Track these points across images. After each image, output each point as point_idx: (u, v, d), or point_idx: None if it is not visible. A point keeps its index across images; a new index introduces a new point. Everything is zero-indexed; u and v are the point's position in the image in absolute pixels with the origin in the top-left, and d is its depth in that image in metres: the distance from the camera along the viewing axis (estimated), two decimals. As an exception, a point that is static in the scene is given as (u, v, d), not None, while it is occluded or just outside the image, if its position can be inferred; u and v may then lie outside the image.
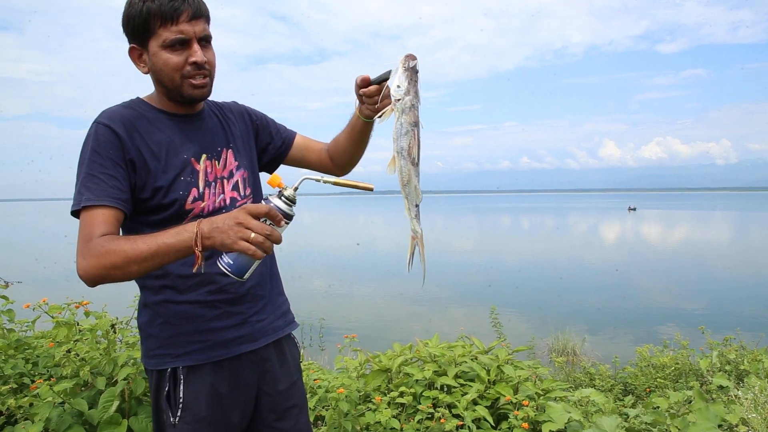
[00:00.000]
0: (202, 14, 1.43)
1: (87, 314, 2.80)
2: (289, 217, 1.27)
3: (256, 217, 1.19)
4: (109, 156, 1.37)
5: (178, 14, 1.38)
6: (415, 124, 1.39)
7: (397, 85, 1.39)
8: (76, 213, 1.36)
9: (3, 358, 2.54)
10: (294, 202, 1.29)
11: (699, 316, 12.32)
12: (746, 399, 2.15)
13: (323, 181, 1.39)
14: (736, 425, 2.14)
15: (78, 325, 2.59)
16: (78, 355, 2.30)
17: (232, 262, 1.25)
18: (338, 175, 1.78)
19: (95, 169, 1.36)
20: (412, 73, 1.39)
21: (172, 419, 1.45)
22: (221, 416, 1.50)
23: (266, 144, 1.74)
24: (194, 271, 1.28)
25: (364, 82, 1.52)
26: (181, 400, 1.45)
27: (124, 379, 2.24)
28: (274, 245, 1.23)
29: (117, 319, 2.59)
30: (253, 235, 1.17)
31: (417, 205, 1.43)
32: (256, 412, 1.61)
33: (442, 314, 12.78)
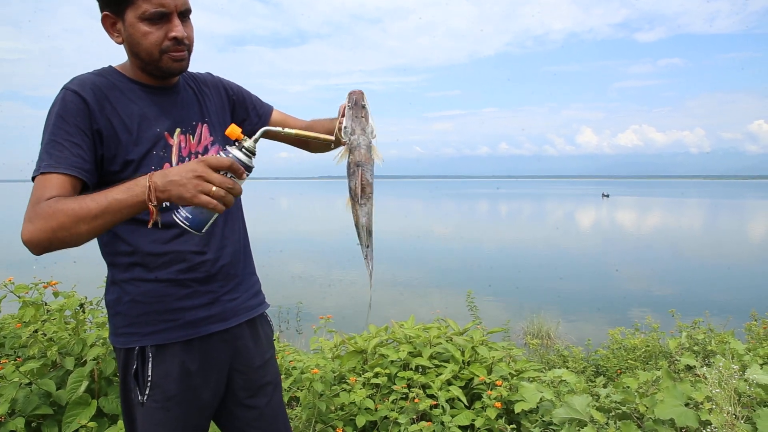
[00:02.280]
0: None
1: (56, 294, 2.74)
2: (249, 170, 1.23)
3: (217, 169, 1.16)
4: (75, 123, 1.31)
5: None
6: (358, 164, 1.38)
7: (344, 126, 1.40)
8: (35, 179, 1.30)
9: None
10: (254, 154, 1.24)
11: (670, 300, 12.59)
12: (711, 376, 2.19)
13: (284, 132, 1.34)
14: (702, 402, 2.18)
15: (46, 305, 2.53)
16: (45, 335, 2.25)
17: (190, 216, 1.19)
18: (314, 150, 1.75)
19: (59, 136, 1.30)
20: (357, 109, 1.39)
21: (140, 398, 1.43)
22: (191, 395, 1.48)
23: (242, 120, 1.70)
24: (149, 226, 1.24)
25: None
26: (149, 379, 1.42)
27: (93, 359, 2.20)
28: (235, 205, 1.19)
29: (86, 298, 2.53)
30: (214, 188, 1.14)
31: (368, 246, 1.44)
32: (228, 391, 1.59)
33: (419, 298, 12.85)
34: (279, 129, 1.34)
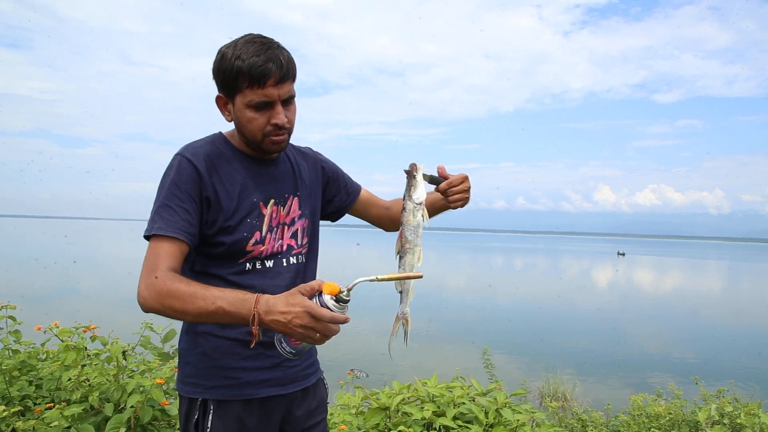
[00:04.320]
0: (288, 77, 1.48)
1: (93, 339, 2.82)
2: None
3: (318, 319, 1.25)
4: (186, 190, 1.44)
5: (265, 79, 1.43)
6: (401, 223, 1.58)
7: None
8: (147, 237, 1.43)
9: (7, 379, 2.54)
10: (348, 302, 1.30)
11: (690, 363, 12.31)
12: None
13: (377, 279, 1.37)
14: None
15: (86, 350, 2.61)
16: (88, 380, 2.31)
17: (294, 351, 1.34)
18: (390, 229, 1.89)
19: (172, 200, 1.42)
20: (409, 179, 1.59)
21: None
22: None
23: (333, 196, 1.81)
24: (251, 347, 1.41)
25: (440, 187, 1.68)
26: (208, 430, 1.48)
27: (132, 407, 2.25)
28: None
29: (129, 345, 2.60)
30: (318, 336, 1.26)
31: (400, 291, 1.57)
32: None
33: (434, 352, 12.70)
34: (372, 278, 1.36)
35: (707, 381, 5.49)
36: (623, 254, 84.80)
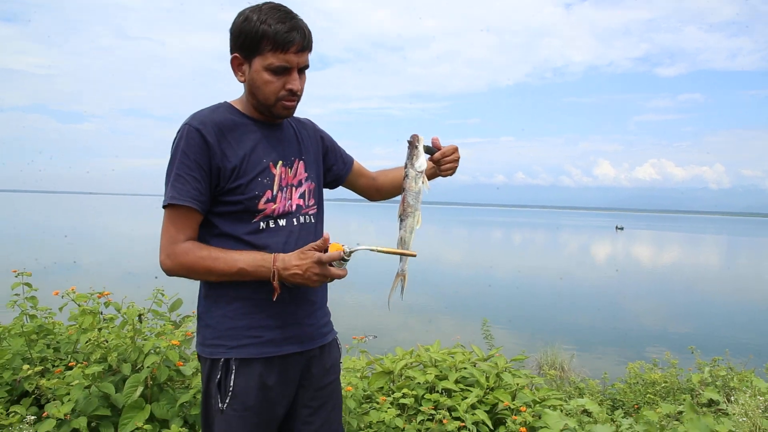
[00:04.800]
0: (308, 48, 1.57)
1: (107, 305, 2.91)
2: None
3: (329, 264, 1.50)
4: (195, 159, 1.52)
5: (289, 45, 1.51)
6: (403, 189, 1.69)
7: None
8: (164, 207, 1.56)
9: (27, 341, 2.64)
10: (347, 261, 1.55)
11: (687, 337, 12.48)
12: (734, 412, 2.28)
13: (375, 250, 1.55)
14: (726, 435, 2.27)
15: (102, 314, 2.70)
16: (106, 342, 2.40)
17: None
18: (375, 198, 2.05)
19: (182, 170, 1.52)
20: (411, 148, 1.69)
21: (220, 405, 1.56)
22: (266, 407, 1.61)
23: (331, 165, 1.91)
24: (273, 299, 1.54)
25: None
26: (231, 389, 1.56)
27: (149, 367, 2.34)
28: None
29: (144, 309, 2.69)
30: (328, 279, 1.53)
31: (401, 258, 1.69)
32: (292, 406, 1.72)
33: (431, 325, 12.86)
34: (370, 248, 1.55)
35: (704, 352, 5.61)
36: (621, 228, 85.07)
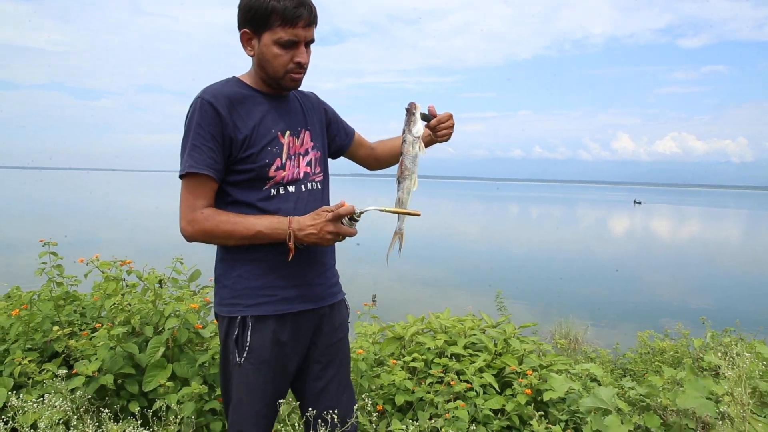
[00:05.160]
0: (314, 22, 1.66)
1: (129, 272, 3.05)
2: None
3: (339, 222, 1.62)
4: (209, 131, 1.62)
5: (297, 20, 1.60)
6: (401, 153, 1.78)
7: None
8: (181, 176, 1.65)
9: (55, 306, 2.79)
10: (357, 221, 1.67)
11: (703, 312, 12.47)
12: (732, 373, 2.35)
13: (384, 210, 1.68)
14: (722, 396, 2.35)
15: (124, 280, 2.84)
16: (130, 306, 2.54)
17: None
18: (374, 168, 2.14)
19: (198, 140, 1.62)
20: (408, 115, 1.77)
21: (238, 359, 1.69)
22: (280, 361, 1.74)
23: (334, 136, 2.00)
24: (289, 259, 1.64)
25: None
26: (248, 344, 1.68)
27: (170, 329, 2.48)
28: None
29: (164, 275, 2.82)
30: (340, 238, 1.64)
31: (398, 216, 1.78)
32: (304, 362, 1.84)
33: (446, 298, 12.97)
34: (378, 208, 1.67)
35: (718, 325, 5.64)
36: (639, 203, 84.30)
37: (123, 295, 2.68)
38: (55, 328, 2.51)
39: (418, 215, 1.72)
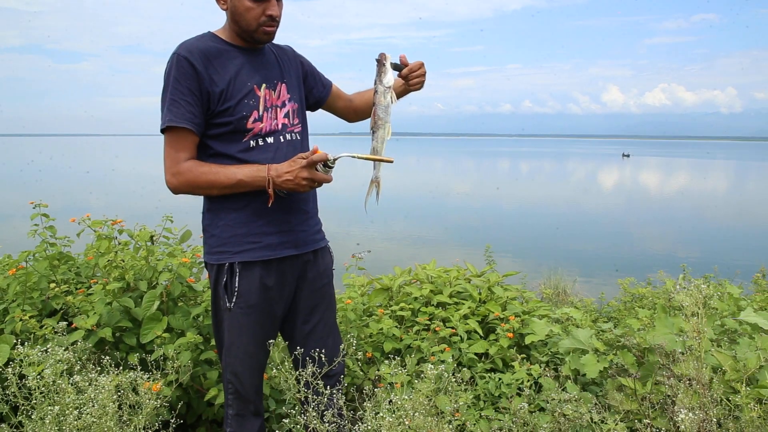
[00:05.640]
0: None
1: (120, 232, 3.11)
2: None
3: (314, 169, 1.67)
4: (187, 85, 1.68)
5: None
6: (374, 103, 1.84)
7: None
8: (163, 131, 1.72)
9: (51, 265, 2.87)
10: (332, 168, 1.73)
11: (691, 262, 12.74)
12: (703, 313, 2.48)
13: (356, 157, 1.75)
14: (690, 332, 2.48)
15: (117, 238, 2.91)
16: (123, 261, 2.63)
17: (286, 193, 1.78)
18: (352, 119, 2.20)
19: (177, 96, 1.68)
20: (379, 66, 1.82)
21: (228, 304, 1.79)
22: (268, 305, 1.84)
23: (311, 88, 2.06)
24: (269, 205, 1.72)
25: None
26: (236, 289, 1.78)
27: (163, 283, 2.57)
28: None
29: (155, 231, 2.90)
30: (315, 184, 1.70)
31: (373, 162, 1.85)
32: (291, 306, 1.94)
33: (436, 254, 13.10)
34: (352, 155, 1.74)
35: (699, 273, 5.81)
36: (628, 156, 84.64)
37: (116, 252, 2.75)
38: (52, 285, 2.60)
39: (391, 161, 1.79)
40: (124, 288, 2.63)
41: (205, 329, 2.68)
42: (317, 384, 1.68)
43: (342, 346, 1.95)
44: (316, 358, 1.81)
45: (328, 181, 1.71)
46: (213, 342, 2.59)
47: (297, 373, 1.78)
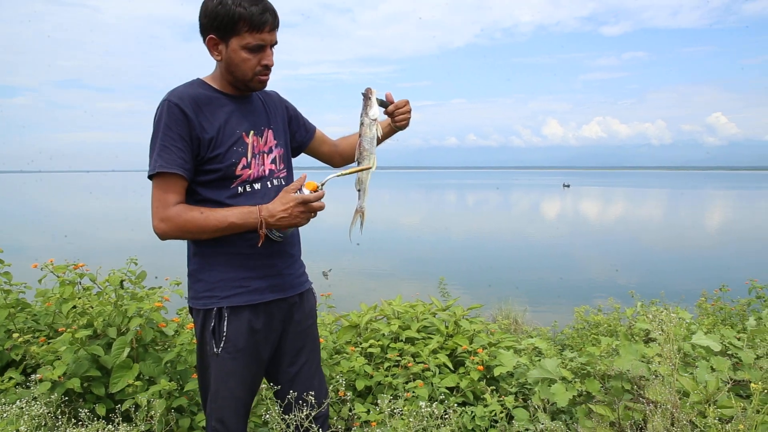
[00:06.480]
0: (277, 26, 1.75)
1: (81, 276, 3.02)
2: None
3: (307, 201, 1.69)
4: (177, 131, 1.69)
5: (263, 26, 1.69)
6: (360, 135, 1.88)
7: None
8: (151, 177, 1.70)
9: (8, 314, 2.74)
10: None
11: (632, 287, 13.22)
12: (660, 337, 2.62)
13: (341, 174, 1.81)
14: (652, 357, 2.61)
15: (80, 284, 2.82)
16: (92, 308, 2.54)
17: (282, 235, 1.79)
18: (338, 164, 2.24)
19: (167, 141, 1.68)
20: (364, 100, 1.88)
21: (215, 349, 1.77)
22: (255, 349, 1.83)
23: (294, 132, 2.08)
24: (259, 245, 1.72)
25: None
26: (224, 334, 1.76)
27: (134, 329, 2.50)
28: None
29: (125, 275, 2.82)
30: (312, 214, 1.71)
31: (359, 189, 1.91)
32: (277, 349, 1.93)
33: (394, 287, 13.17)
34: (338, 174, 1.81)
35: (645, 297, 6.08)
36: (568, 186, 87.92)
37: (80, 298, 2.67)
38: (15, 335, 2.48)
39: (370, 169, 1.84)
40: (91, 335, 2.54)
41: (176, 375, 2.61)
42: (311, 427, 1.67)
43: (329, 387, 1.95)
44: (307, 400, 1.80)
45: (321, 208, 1.73)
46: (186, 388, 2.53)
47: (289, 417, 1.76)
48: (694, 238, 23.64)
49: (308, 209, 1.70)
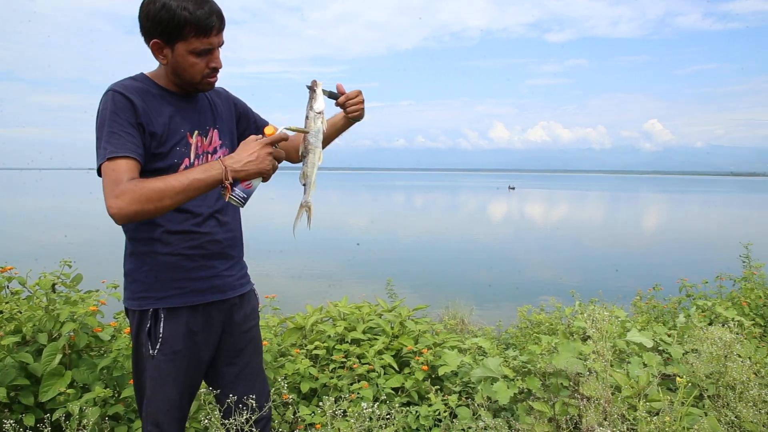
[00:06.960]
0: (224, 27, 1.69)
1: (9, 279, 2.88)
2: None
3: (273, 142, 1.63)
4: (125, 118, 1.60)
5: (210, 30, 1.64)
6: (305, 130, 1.83)
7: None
8: (99, 169, 1.57)
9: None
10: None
11: (574, 287, 13.67)
12: (596, 335, 2.72)
13: (292, 129, 1.73)
14: (589, 355, 2.70)
15: (8, 287, 2.68)
16: (20, 313, 2.42)
17: (245, 196, 1.62)
18: (295, 159, 2.09)
19: (115, 128, 1.58)
20: (310, 92, 1.81)
21: (151, 351, 1.71)
22: (194, 351, 1.78)
23: (244, 129, 2.03)
24: (226, 200, 1.59)
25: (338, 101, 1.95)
26: (160, 336, 1.71)
27: (67, 334, 2.39)
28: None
29: (58, 278, 2.70)
30: (277, 162, 1.63)
31: (304, 184, 1.85)
32: (217, 351, 1.89)
33: (341, 288, 13.14)
34: (291, 127, 1.72)
35: (584, 296, 6.29)
36: (513, 188, 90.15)
37: (8, 302, 2.54)
38: (-64, 343, 2.34)
39: (307, 132, 1.78)
40: (19, 342, 2.42)
41: (112, 382, 2.52)
42: (251, 431, 1.64)
43: (271, 390, 1.93)
44: (247, 403, 1.77)
45: (283, 155, 1.69)
46: (123, 394, 2.44)
47: (229, 422, 1.73)
48: (631, 239, 24.64)
49: (275, 152, 1.61)
